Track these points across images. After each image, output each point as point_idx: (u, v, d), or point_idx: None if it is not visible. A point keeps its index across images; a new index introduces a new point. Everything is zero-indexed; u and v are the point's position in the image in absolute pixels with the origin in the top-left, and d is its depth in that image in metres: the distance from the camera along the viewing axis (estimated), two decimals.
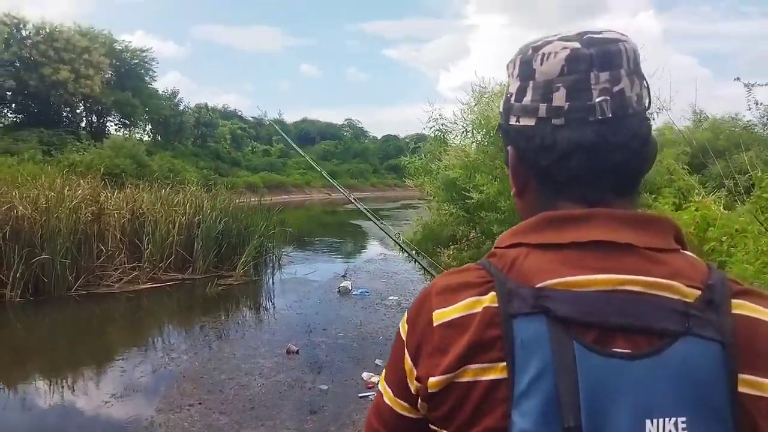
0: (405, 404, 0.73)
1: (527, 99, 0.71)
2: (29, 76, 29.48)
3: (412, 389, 0.70)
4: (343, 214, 31.64)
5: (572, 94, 0.67)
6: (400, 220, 17.59)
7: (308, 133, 68.59)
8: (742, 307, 0.62)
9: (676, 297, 0.61)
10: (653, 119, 5.83)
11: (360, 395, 5.10)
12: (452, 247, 6.85)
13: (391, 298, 8.97)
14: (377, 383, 5.22)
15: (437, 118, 7.73)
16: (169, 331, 7.97)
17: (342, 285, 9.60)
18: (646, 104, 0.70)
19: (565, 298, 0.61)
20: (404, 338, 0.72)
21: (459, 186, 6.66)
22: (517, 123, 0.72)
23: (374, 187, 58.42)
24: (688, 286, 0.62)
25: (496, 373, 0.62)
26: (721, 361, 0.59)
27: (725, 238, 4.11)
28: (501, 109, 0.78)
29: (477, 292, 0.66)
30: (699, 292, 0.62)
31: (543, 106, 0.69)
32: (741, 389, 0.59)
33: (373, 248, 16.51)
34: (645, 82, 0.70)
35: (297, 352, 6.23)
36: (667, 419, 0.57)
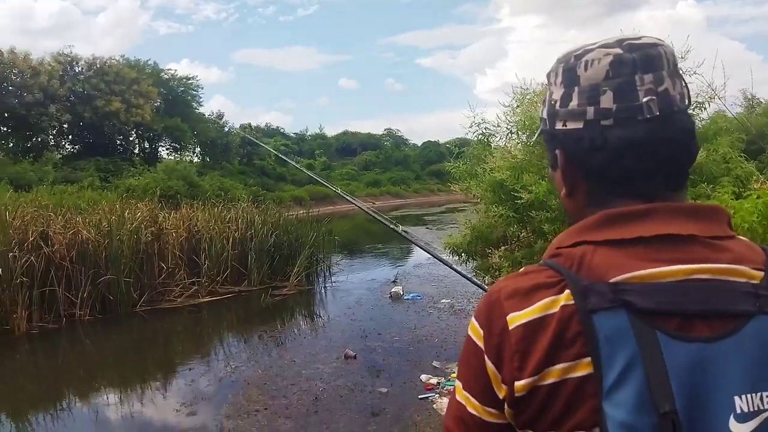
0: (492, 410, 0.73)
1: (573, 103, 0.74)
2: (83, 109, 31.05)
3: (500, 395, 0.71)
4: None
5: (619, 95, 0.71)
6: (446, 224, 17.56)
7: (349, 145, 69.28)
8: None
9: (743, 280, 0.65)
10: (705, 108, 5.69)
11: (420, 397, 5.16)
12: (503, 248, 6.83)
13: (443, 301, 9.01)
14: (438, 385, 5.29)
15: (480, 122, 7.68)
16: (230, 341, 8.24)
17: (393, 290, 9.70)
18: (687, 102, 0.74)
19: (643, 290, 0.64)
20: (481, 344, 0.73)
21: (507, 187, 6.62)
22: (564, 127, 0.76)
23: (417, 193, 58.32)
24: (753, 268, 0.66)
25: (582, 369, 0.64)
26: None
27: None
28: (544, 116, 0.81)
29: (552, 292, 0.68)
30: (763, 274, 0.66)
31: (591, 109, 0.72)
32: None
33: (421, 253, 16.52)
34: (684, 82, 0.74)
35: (355, 357, 6.35)
36: (753, 394, 0.61)
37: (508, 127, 7.23)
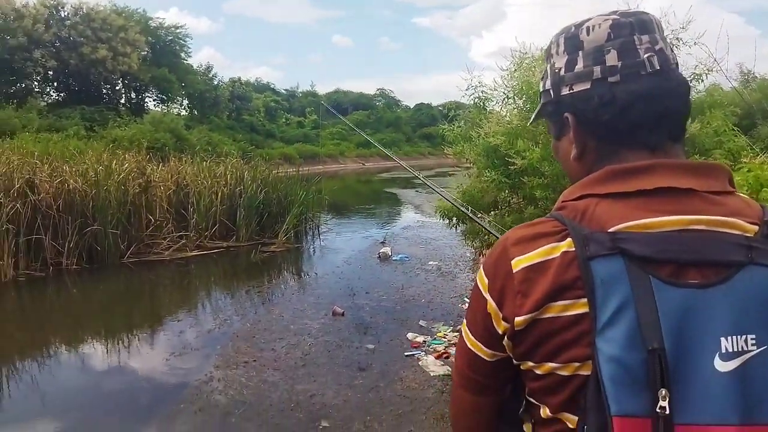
0: (493, 351, 0.81)
1: (579, 66, 0.81)
2: (69, 56, 30.16)
3: (500, 330, 0.77)
4: (377, 182, 31.76)
5: (623, 53, 0.78)
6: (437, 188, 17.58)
7: (341, 104, 68.38)
8: None
9: (737, 232, 0.70)
10: (702, 80, 5.68)
11: (406, 354, 5.27)
12: (493, 213, 6.87)
13: (430, 263, 9.11)
14: (423, 343, 5.39)
15: (476, 86, 7.61)
16: (218, 296, 8.30)
17: (382, 251, 9.78)
18: (677, 63, 0.81)
19: (640, 239, 0.69)
20: (486, 287, 0.80)
21: (500, 152, 6.63)
22: (571, 91, 0.82)
23: (407, 156, 58.05)
24: (748, 222, 0.71)
25: (579, 308, 0.70)
26: None
27: None
28: (547, 87, 0.86)
29: (554, 240, 0.74)
30: (757, 227, 0.70)
31: (597, 68, 0.79)
32: None
33: (410, 215, 16.63)
34: (672, 47, 0.81)
35: (343, 314, 6.44)
36: (738, 336, 0.66)
37: (505, 91, 7.18)
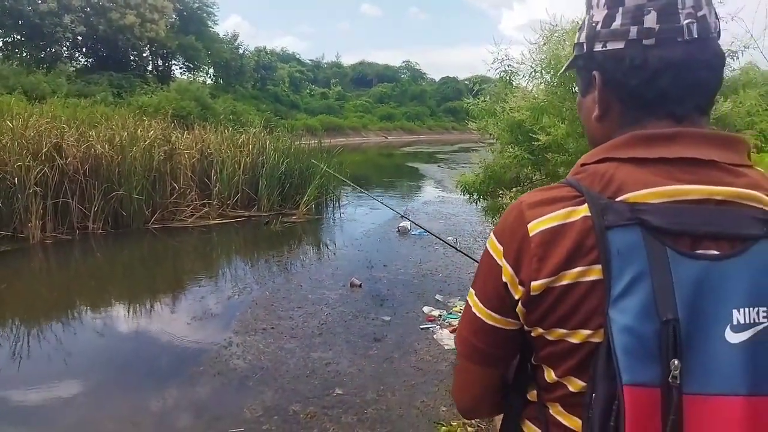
0: (503, 317, 0.80)
1: (617, 23, 0.77)
2: (98, 21, 30.42)
3: (516, 296, 0.76)
4: (399, 156, 31.64)
5: (662, 17, 0.74)
6: (459, 163, 17.44)
7: (365, 76, 67.95)
8: None
9: (757, 205, 0.69)
10: (737, 58, 5.49)
11: (421, 327, 5.31)
12: (515, 189, 6.79)
13: (449, 238, 9.08)
14: (439, 317, 5.42)
15: (503, 59, 7.44)
16: (239, 264, 8.42)
17: (401, 225, 9.78)
18: (718, 33, 0.78)
19: (658, 210, 0.69)
20: (500, 251, 0.78)
21: (525, 128, 6.51)
22: (604, 48, 0.79)
23: (431, 130, 57.70)
24: (766, 195, 0.70)
25: (594, 274, 0.70)
26: None
27: None
28: (582, 40, 0.83)
29: (571, 204, 0.73)
30: None
31: (634, 29, 0.76)
32: None
33: (431, 190, 16.57)
34: (717, 14, 0.78)
35: (360, 286, 6.49)
36: (751, 309, 0.65)
37: (533, 65, 7.03)
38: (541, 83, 6.92)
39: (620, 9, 0.77)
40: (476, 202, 7.64)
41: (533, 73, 7.13)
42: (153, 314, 5.97)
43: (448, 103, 61.95)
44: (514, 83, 7.57)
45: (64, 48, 32.37)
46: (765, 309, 0.66)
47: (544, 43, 6.65)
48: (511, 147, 7.33)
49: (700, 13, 0.75)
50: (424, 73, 74.02)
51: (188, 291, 6.69)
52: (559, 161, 5.82)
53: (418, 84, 68.20)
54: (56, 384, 4.31)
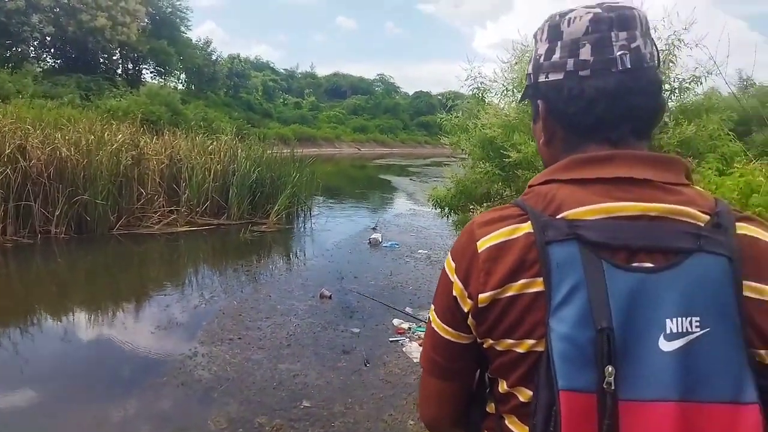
0: (453, 330, 0.85)
1: (556, 56, 0.83)
2: (68, 22, 29.71)
3: (465, 309, 0.81)
4: (372, 168, 31.70)
5: (596, 49, 0.80)
6: (431, 177, 17.56)
7: (339, 87, 68.04)
8: (745, 229, 0.74)
9: (689, 220, 0.73)
10: (701, 83, 5.69)
11: (390, 339, 5.30)
12: (485, 204, 6.88)
13: (420, 251, 9.13)
14: (408, 330, 5.42)
15: (476, 77, 7.59)
16: (206, 272, 8.28)
17: (372, 237, 9.78)
18: (657, 63, 0.82)
19: (594, 226, 0.73)
20: (453, 268, 0.83)
21: (496, 145, 6.64)
22: (546, 79, 0.85)
23: (404, 143, 58.03)
24: (699, 211, 0.74)
25: (537, 286, 0.74)
26: (728, 272, 0.70)
27: None
28: (529, 71, 0.89)
29: (516, 222, 0.78)
30: (708, 217, 0.74)
31: (570, 61, 0.81)
32: (746, 293, 0.71)
33: (403, 203, 16.64)
34: (655, 44, 0.83)
35: (330, 297, 6.45)
36: (684, 318, 0.69)
37: (504, 84, 7.15)
38: (512, 101, 7.05)
39: (559, 43, 0.82)
40: (447, 216, 7.72)
41: (505, 91, 7.27)
42: (116, 322, 5.82)
43: (421, 117, 62.46)
44: (486, 100, 7.69)
45: (32, 48, 31.50)
46: (698, 319, 0.69)
47: (516, 63, 6.80)
48: (483, 163, 7.44)
49: (633, 45, 0.79)
50: (398, 87, 74.63)
51: (153, 299, 6.54)
52: (529, 178, 5.92)
53: (392, 97, 68.62)
54: (12, 393, 4.15)
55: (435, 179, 14.51)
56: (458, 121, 8.22)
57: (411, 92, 73.82)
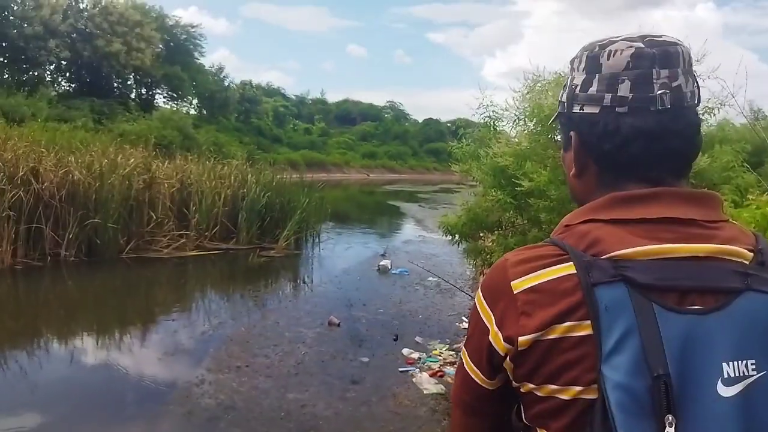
0: (485, 377, 0.82)
1: (593, 89, 0.80)
2: (83, 47, 30.43)
3: (501, 353, 0.77)
4: (380, 194, 31.78)
5: (636, 86, 0.76)
6: (440, 204, 17.56)
7: (349, 113, 68.72)
8: None
9: (736, 259, 0.71)
10: (714, 114, 5.68)
11: (400, 370, 5.21)
12: (497, 232, 6.84)
13: (429, 279, 9.05)
14: (418, 360, 5.34)
15: (488, 105, 7.61)
16: (214, 297, 8.25)
17: (381, 263, 9.72)
18: (697, 101, 0.79)
19: (641, 267, 0.70)
20: (486, 309, 0.79)
21: (508, 173, 6.61)
22: (581, 111, 0.81)
23: (413, 169, 58.25)
24: (744, 249, 0.72)
25: (584, 330, 0.70)
26: None
27: None
28: (563, 99, 0.86)
29: (554, 262, 0.74)
30: (752, 255, 0.72)
31: (608, 96, 0.78)
32: None
33: (412, 230, 16.61)
34: (696, 82, 0.79)
35: (339, 325, 6.38)
36: (739, 362, 0.66)
37: (516, 113, 7.17)
38: (524, 130, 7.05)
39: (597, 75, 0.79)
40: (458, 244, 7.66)
41: (517, 120, 7.27)
42: (122, 347, 5.78)
43: (430, 143, 62.84)
44: (497, 128, 7.70)
45: (47, 72, 32.23)
46: (753, 362, 0.67)
47: (528, 92, 6.82)
48: (494, 191, 7.40)
49: (674, 84, 0.76)
50: (408, 114, 75.30)
51: (160, 324, 6.50)
52: (541, 207, 5.87)
53: (401, 124, 69.19)
54: (18, 416, 4.10)
55: (445, 206, 14.50)
56: (469, 149, 8.23)
57: (420, 119, 74.44)
